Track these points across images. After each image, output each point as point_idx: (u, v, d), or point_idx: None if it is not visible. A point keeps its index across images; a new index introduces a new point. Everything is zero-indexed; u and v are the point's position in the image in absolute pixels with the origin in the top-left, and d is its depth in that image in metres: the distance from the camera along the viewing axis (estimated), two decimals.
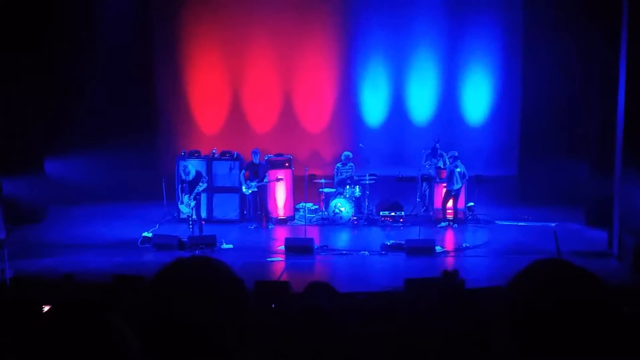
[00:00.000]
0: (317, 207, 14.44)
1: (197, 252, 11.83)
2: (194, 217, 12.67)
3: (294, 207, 14.54)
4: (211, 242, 12.22)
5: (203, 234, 12.68)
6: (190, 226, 12.71)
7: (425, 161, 14.75)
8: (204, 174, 12.97)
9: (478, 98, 16.82)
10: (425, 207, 14.87)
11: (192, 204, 12.54)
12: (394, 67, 16.91)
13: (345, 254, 11.95)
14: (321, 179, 14.32)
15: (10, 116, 14.24)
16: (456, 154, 13.80)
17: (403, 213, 14.05)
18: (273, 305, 6.24)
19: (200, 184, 12.51)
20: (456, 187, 13.65)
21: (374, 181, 14.35)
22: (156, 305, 1.61)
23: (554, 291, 1.53)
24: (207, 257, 1.74)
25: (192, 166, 12.85)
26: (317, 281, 5.10)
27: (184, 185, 12.61)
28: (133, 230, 13.42)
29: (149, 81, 17.07)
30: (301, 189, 14.03)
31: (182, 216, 13.34)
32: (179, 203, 12.81)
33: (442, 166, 14.32)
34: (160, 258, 11.51)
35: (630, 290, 7.61)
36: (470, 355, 3.28)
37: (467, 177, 13.91)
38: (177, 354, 1.57)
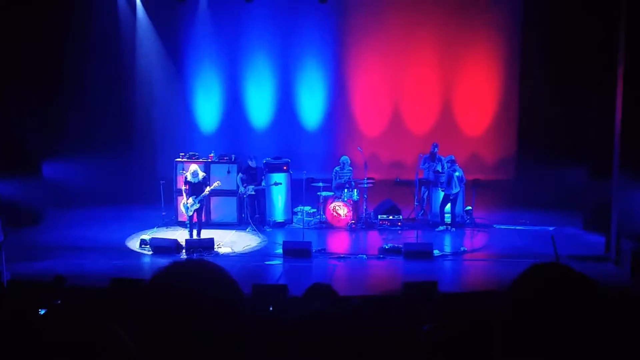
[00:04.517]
0: (315, 210, 14.44)
1: (194, 255, 11.84)
2: (194, 220, 12.69)
3: (292, 211, 14.54)
4: (209, 245, 12.22)
5: (201, 238, 12.68)
6: (189, 229, 12.73)
7: (424, 164, 14.77)
8: (208, 179, 13.01)
9: (476, 102, 16.82)
10: (423, 211, 14.88)
11: (197, 206, 12.55)
12: (392, 69, 16.90)
13: (343, 257, 11.95)
14: (319, 182, 14.33)
15: (8, 119, 14.22)
16: (453, 157, 13.82)
17: (401, 217, 14.06)
18: (271, 308, 6.24)
19: (207, 187, 12.55)
20: (454, 191, 13.66)
21: (372, 185, 14.36)
22: (151, 308, 1.61)
23: (552, 295, 1.53)
24: (203, 260, 1.74)
25: (200, 170, 12.88)
26: (319, 283, 5.09)
27: (188, 187, 12.62)
28: (131, 233, 13.43)
29: (147, 84, 17.06)
30: (299, 192, 14.03)
31: (181, 219, 13.35)
32: (182, 203, 12.81)
33: (440, 170, 14.34)
34: (158, 261, 11.51)
35: (627, 294, 7.61)
36: (470, 359, 3.27)
37: (464, 181, 13.93)
38: (173, 357, 1.57)
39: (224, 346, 1.60)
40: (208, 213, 14.28)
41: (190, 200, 12.57)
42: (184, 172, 13.18)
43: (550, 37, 15.08)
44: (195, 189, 12.56)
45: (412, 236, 12.85)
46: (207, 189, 12.52)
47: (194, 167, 12.81)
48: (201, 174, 12.72)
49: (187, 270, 1.68)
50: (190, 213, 12.67)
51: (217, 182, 13.02)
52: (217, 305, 1.62)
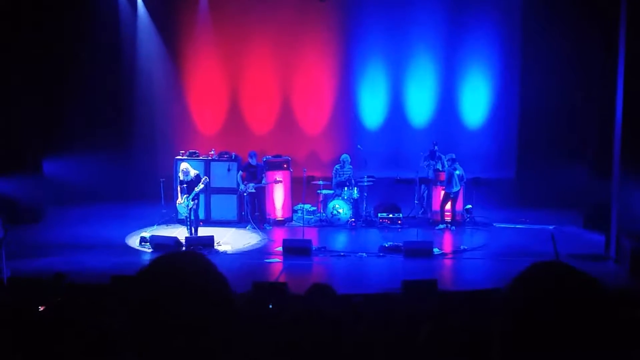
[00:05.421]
0: (315, 208, 14.44)
1: None
2: (192, 217, 12.69)
3: (292, 209, 14.54)
4: (209, 243, 12.22)
5: (200, 235, 12.68)
6: (188, 227, 12.74)
7: (424, 162, 14.77)
8: (202, 175, 12.99)
9: (476, 101, 16.83)
10: (423, 209, 14.88)
11: (191, 204, 12.55)
12: (393, 69, 16.91)
13: (343, 255, 11.94)
14: (319, 180, 14.33)
15: (9, 116, 14.22)
16: (454, 156, 13.82)
17: (401, 215, 14.06)
18: (270, 306, 6.24)
19: (199, 184, 12.52)
20: (455, 189, 13.66)
21: (372, 183, 14.36)
22: (139, 303, 1.62)
23: (554, 294, 1.53)
24: (188, 253, 1.74)
25: (192, 168, 12.86)
26: (319, 283, 5.09)
27: (183, 186, 12.63)
28: (131, 231, 13.43)
29: (147, 82, 17.06)
30: (299, 190, 14.04)
31: (180, 217, 13.36)
32: (177, 203, 12.84)
33: (440, 168, 14.34)
34: None
35: (627, 293, 7.61)
36: (470, 358, 3.27)
37: (465, 180, 13.92)
38: (161, 349, 1.58)
39: (212, 338, 1.60)
40: (208, 211, 14.28)
41: (184, 199, 12.57)
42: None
43: (551, 36, 15.07)
44: (190, 187, 12.57)
45: (412, 234, 12.85)
46: (197, 187, 12.51)
47: (184, 165, 12.79)
48: (193, 172, 12.68)
49: (170, 264, 1.68)
50: (186, 212, 12.67)
51: (205, 177, 12.99)
52: (202, 297, 1.62)
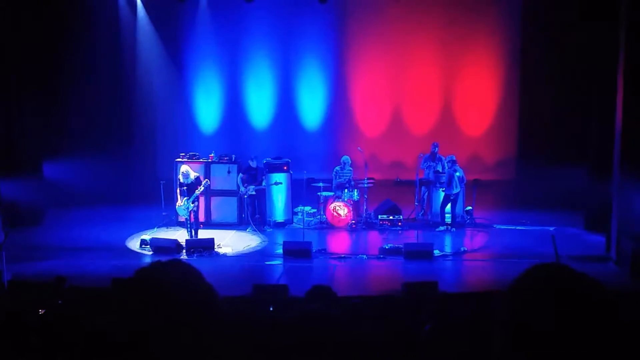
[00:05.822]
0: (315, 210, 14.44)
1: (195, 255, 11.85)
2: (192, 220, 12.69)
3: (293, 211, 14.54)
4: (209, 245, 12.22)
5: (201, 238, 12.68)
6: (188, 230, 12.75)
7: (424, 163, 14.76)
8: (203, 177, 13.00)
9: (476, 102, 16.83)
10: (423, 211, 14.87)
11: (191, 207, 12.55)
12: (393, 68, 16.92)
13: (343, 257, 11.94)
14: (320, 182, 14.33)
15: (8, 118, 14.21)
16: (454, 157, 13.82)
17: (401, 217, 14.05)
18: (271, 308, 6.24)
19: (199, 187, 12.53)
20: (455, 191, 13.66)
21: (372, 185, 14.36)
22: (123, 311, 1.62)
23: (554, 295, 1.53)
24: (173, 262, 1.73)
25: (192, 170, 12.87)
26: (319, 285, 5.09)
27: (183, 188, 12.63)
28: (131, 233, 13.43)
29: (147, 83, 17.06)
30: (299, 192, 14.03)
31: (181, 219, 13.36)
32: (177, 206, 12.85)
33: (440, 170, 14.33)
34: None
35: (628, 295, 7.60)
36: (470, 359, 3.27)
37: (465, 181, 13.92)
38: (149, 352, 1.58)
39: (195, 342, 1.61)
40: (208, 213, 14.29)
41: (184, 201, 12.58)
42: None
43: (551, 37, 15.08)
44: (190, 190, 12.58)
45: (412, 236, 12.85)
46: (198, 189, 12.53)
47: (184, 167, 12.81)
48: (193, 175, 12.70)
49: (154, 275, 1.68)
50: (186, 214, 12.67)
51: (206, 179, 13.01)
52: (186, 306, 1.62)
